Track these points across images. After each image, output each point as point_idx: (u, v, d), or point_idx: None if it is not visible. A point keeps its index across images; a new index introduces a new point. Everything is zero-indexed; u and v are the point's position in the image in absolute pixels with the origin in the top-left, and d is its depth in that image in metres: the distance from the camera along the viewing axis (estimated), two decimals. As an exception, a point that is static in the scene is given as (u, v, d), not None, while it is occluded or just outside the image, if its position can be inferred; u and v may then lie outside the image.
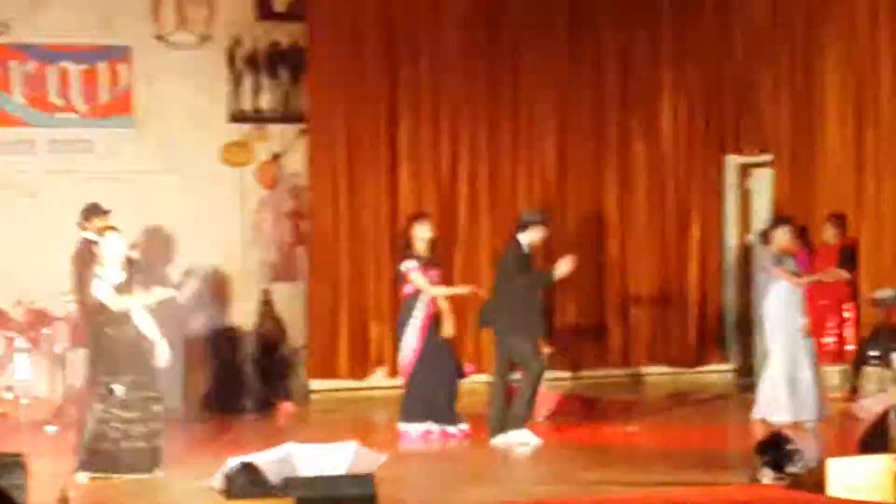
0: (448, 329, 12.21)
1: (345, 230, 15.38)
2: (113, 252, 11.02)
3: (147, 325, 10.90)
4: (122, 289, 10.78)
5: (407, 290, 12.19)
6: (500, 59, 16.05)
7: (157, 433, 10.65)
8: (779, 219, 13.82)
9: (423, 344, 12.11)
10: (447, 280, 14.08)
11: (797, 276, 13.01)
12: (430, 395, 12.27)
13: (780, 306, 13.10)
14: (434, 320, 12.16)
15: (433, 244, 12.45)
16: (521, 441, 11.92)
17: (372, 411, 14.24)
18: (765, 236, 13.77)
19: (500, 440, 11.89)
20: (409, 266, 12.22)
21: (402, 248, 12.52)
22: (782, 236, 13.03)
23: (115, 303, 10.70)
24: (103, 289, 10.75)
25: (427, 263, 12.27)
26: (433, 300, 12.18)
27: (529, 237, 12.47)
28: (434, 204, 15.41)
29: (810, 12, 15.83)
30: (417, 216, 12.87)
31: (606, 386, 16.00)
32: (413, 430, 12.13)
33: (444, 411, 12.25)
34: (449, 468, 11.42)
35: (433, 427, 12.16)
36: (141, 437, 10.65)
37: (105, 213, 12.61)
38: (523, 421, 12.24)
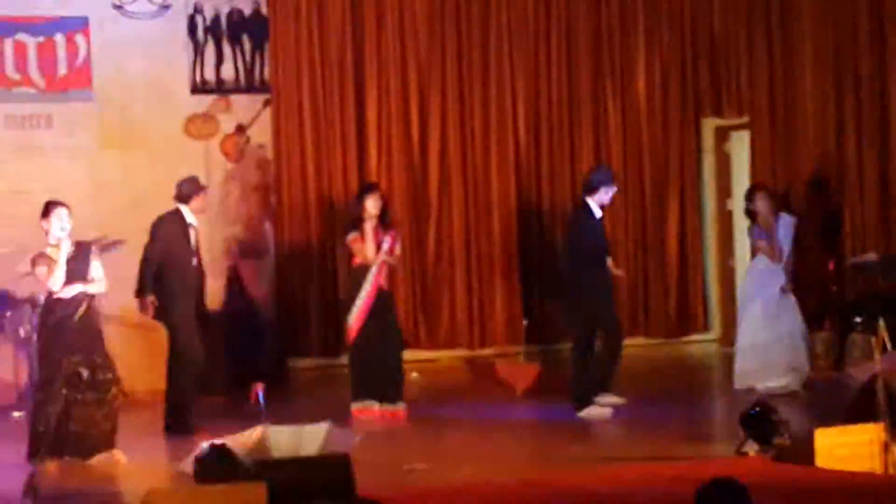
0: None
1: (313, 203, 15.11)
2: (60, 231, 10.55)
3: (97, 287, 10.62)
4: (73, 269, 10.41)
5: (356, 261, 12.08)
6: (468, 23, 15.72)
7: (111, 415, 10.47)
8: (754, 185, 13.76)
9: (365, 319, 11.93)
10: (418, 250, 14.49)
11: (772, 251, 12.86)
12: (373, 371, 12.15)
13: (760, 277, 13.00)
14: (379, 294, 11.96)
15: (384, 213, 12.14)
16: (601, 411, 11.69)
17: (346, 390, 13.27)
18: (749, 213, 13.52)
19: (585, 412, 11.65)
20: (351, 237, 12.04)
21: (350, 221, 12.41)
22: (760, 205, 12.91)
23: (55, 286, 10.44)
24: (44, 272, 10.53)
25: (376, 229, 11.98)
26: (379, 273, 11.90)
27: (599, 199, 12.05)
28: (404, 175, 15.23)
29: None
30: (366, 187, 12.62)
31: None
32: (364, 409, 11.98)
33: (387, 389, 12.11)
34: (431, 446, 11.16)
35: (375, 406, 12.02)
36: (97, 419, 10.47)
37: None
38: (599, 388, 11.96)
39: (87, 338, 10.68)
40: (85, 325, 10.63)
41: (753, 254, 13.63)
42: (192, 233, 12.03)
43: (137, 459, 10.75)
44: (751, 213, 13.16)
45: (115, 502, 9.60)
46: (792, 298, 12.95)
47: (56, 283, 10.31)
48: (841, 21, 14.71)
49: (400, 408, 12.02)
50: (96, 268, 10.60)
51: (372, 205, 12.02)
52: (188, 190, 11.76)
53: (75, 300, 10.43)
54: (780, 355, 12.86)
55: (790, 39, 15.35)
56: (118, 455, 10.43)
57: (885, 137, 14.37)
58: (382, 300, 12.04)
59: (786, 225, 12.93)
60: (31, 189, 12.93)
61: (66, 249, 10.30)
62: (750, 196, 13.21)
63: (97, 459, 10.43)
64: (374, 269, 11.86)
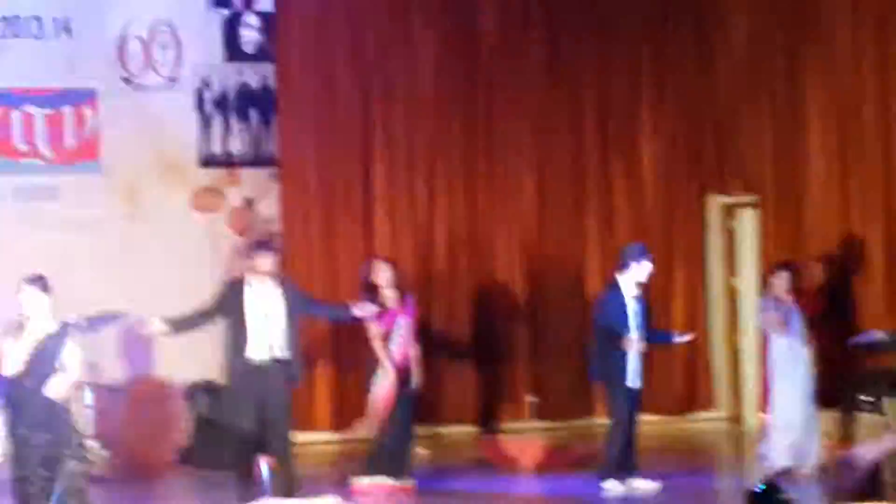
0: (417, 380, 12.06)
1: (320, 276, 14.95)
2: (26, 310, 10.27)
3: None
4: (41, 352, 9.82)
5: (375, 324, 11.93)
6: (475, 99, 15.80)
7: (76, 491, 10.26)
8: (778, 265, 13.54)
9: (395, 391, 11.98)
10: (424, 324, 13.88)
11: (780, 321, 12.71)
12: (392, 449, 12.16)
13: (783, 354, 12.88)
14: (401, 371, 12.00)
15: (397, 285, 12.14)
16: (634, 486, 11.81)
17: (349, 463, 13.40)
18: (764, 282, 13.57)
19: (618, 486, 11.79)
20: (364, 312, 11.98)
21: (364, 293, 12.30)
22: (778, 283, 12.85)
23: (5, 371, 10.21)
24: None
25: (385, 310, 11.99)
26: (401, 349, 11.93)
27: (633, 276, 12.13)
28: (411, 249, 15.17)
29: (791, 51, 15.69)
30: (369, 262, 12.69)
31: (596, 436, 15.21)
32: (369, 483, 11.94)
33: (400, 464, 12.06)
34: None
35: (388, 481, 11.96)
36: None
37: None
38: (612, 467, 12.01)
39: (52, 412, 10.43)
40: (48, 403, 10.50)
41: (760, 326, 13.48)
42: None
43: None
44: (768, 285, 13.18)
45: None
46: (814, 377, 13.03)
47: (4, 369, 10.38)
48: (845, 99, 14.71)
49: (409, 482, 11.99)
50: (70, 353, 9.97)
51: (383, 275, 12.06)
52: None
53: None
54: (812, 434, 12.88)
55: (796, 117, 15.33)
56: None
57: (889, 214, 14.36)
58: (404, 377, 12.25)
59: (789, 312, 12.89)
60: (37, 262, 12.05)
61: (34, 330, 9.83)
62: (773, 270, 13.13)
63: None
64: (397, 338, 11.91)
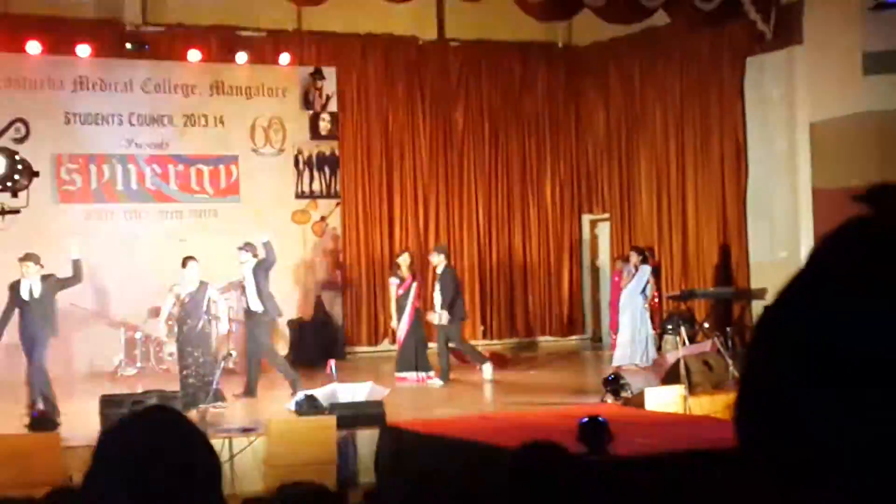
0: (430, 318, 14.50)
1: (365, 263, 18.21)
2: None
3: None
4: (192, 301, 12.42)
5: (399, 293, 14.62)
6: (451, 159, 18.96)
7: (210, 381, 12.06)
8: (633, 248, 16.49)
9: (409, 325, 14.38)
10: (423, 285, 15.51)
11: (628, 279, 15.55)
12: (412, 354, 14.38)
13: (626, 298, 15.68)
14: (415, 312, 14.40)
15: (411, 266, 14.68)
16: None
17: (381, 365, 15.98)
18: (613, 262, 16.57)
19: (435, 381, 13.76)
20: (392, 282, 14.82)
21: (393, 271, 14.93)
22: (633, 257, 15.81)
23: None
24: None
25: (404, 280, 14.46)
26: (414, 301, 14.34)
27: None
28: (414, 246, 17.74)
29: (629, 131, 18.72)
30: (400, 252, 15.40)
31: (517, 347, 18.92)
32: (405, 377, 14.24)
33: (421, 364, 14.38)
34: (426, 396, 13.48)
35: (413, 374, 14.30)
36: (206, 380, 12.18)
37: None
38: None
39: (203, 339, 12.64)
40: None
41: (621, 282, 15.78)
42: None
43: (266, 398, 12.87)
44: (626, 259, 15.80)
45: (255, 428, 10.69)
46: (647, 313, 15.61)
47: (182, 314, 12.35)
48: (662, 158, 17.83)
49: (428, 374, 14.31)
50: (218, 304, 12.74)
51: (403, 260, 14.71)
52: None
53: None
54: (640, 345, 15.44)
55: (632, 168, 18.64)
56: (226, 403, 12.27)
57: (685, 225, 17.52)
58: (417, 315, 14.51)
59: (644, 272, 15.75)
60: (202, 253, 14.00)
61: (189, 289, 12.41)
62: (636, 256, 15.91)
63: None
64: (411, 297, 14.43)
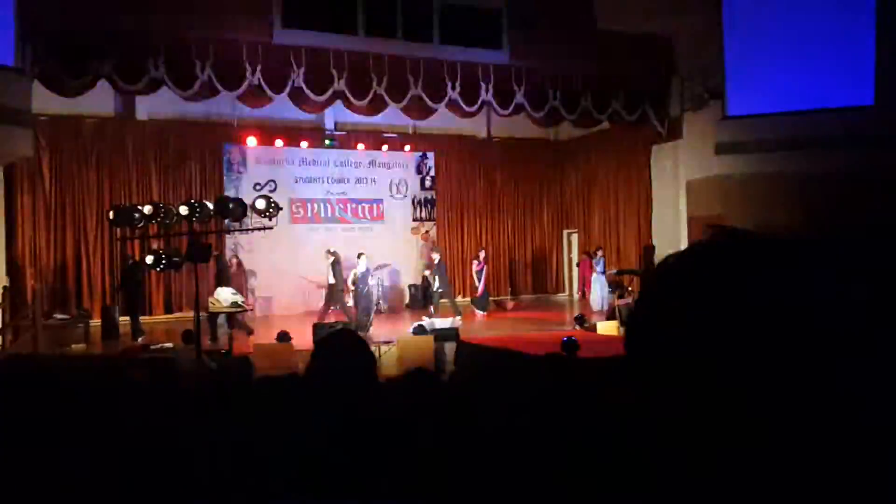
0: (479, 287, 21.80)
1: (448, 255, 25.91)
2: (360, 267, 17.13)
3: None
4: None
5: (476, 267, 22.68)
6: (481, 194, 26.44)
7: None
8: (597, 248, 23.14)
9: (483, 286, 22.11)
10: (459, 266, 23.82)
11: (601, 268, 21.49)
12: (483, 302, 22.24)
13: (597, 272, 21.92)
14: (484, 280, 21.74)
15: (476, 256, 22.46)
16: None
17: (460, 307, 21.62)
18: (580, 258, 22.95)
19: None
20: (475, 263, 22.16)
21: (476, 256, 22.60)
22: (599, 253, 22.45)
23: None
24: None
25: (480, 262, 22.12)
26: (486, 274, 21.49)
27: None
28: (475, 245, 25.50)
29: (586, 181, 26.20)
30: (478, 250, 22.97)
31: (527, 299, 26.16)
32: (478, 313, 21.62)
33: (482, 307, 22.00)
34: (478, 324, 19.39)
35: (480, 312, 21.62)
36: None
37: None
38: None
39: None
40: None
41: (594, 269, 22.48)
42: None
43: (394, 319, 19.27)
44: (591, 255, 22.19)
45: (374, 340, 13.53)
46: (607, 283, 21.45)
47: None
48: (604, 199, 25.31)
49: (485, 313, 21.64)
50: (369, 280, 18.41)
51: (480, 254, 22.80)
52: None
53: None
54: (602, 299, 21.80)
55: (589, 205, 26.63)
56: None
57: (618, 236, 24.64)
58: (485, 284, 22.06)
59: (601, 260, 22.38)
60: (367, 252, 20.16)
61: (362, 270, 17.82)
62: (596, 252, 22.40)
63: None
64: (484, 272, 21.96)
